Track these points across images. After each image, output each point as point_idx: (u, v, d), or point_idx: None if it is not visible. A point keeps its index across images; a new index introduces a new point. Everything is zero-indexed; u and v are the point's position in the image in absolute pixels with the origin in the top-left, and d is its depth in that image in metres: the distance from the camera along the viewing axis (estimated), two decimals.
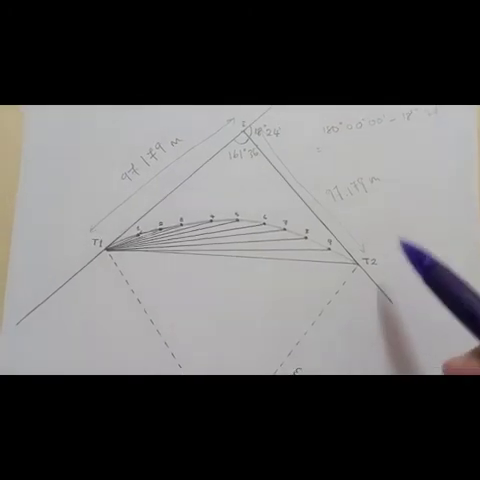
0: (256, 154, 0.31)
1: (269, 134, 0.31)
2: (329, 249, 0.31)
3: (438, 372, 0.30)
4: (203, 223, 0.30)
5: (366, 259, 0.31)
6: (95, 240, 0.30)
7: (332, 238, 0.31)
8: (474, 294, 0.23)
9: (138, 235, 0.30)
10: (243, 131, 0.31)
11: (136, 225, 0.30)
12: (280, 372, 0.29)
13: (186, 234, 0.30)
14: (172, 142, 0.31)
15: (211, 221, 0.31)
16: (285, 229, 0.31)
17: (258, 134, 0.31)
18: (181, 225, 0.30)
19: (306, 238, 0.31)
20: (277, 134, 0.31)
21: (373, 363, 0.29)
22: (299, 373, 0.29)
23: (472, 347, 0.25)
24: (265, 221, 0.31)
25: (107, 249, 0.30)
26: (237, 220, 0.31)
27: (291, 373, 0.29)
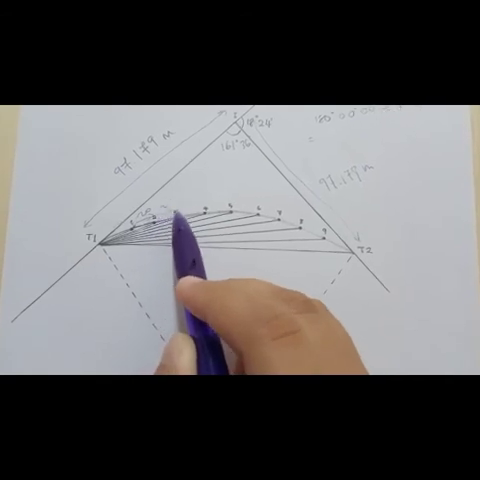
0: (248, 145, 0.31)
1: (261, 125, 0.31)
2: (324, 238, 0.30)
3: (435, 364, 0.30)
4: (197, 215, 0.30)
5: (361, 248, 0.30)
6: (89, 235, 0.30)
7: (326, 227, 0.30)
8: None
9: (132, 229, 0.30)
10: (235, 122, 0.31)
11: (129, 219, 0.30)
12: None
13: None
14: (164, 135, 0.31)
15: (205, 213, 0.30)
16: (279, 219, 0.30)
17: (250, 125, 0.31)
18: None
19: (300, 228, 0.30)
20: (269, 125, 0.31)
21: (369, 353, 0.29)
22: None
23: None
24: (259, 212, 0.30)
25: (101, 244, 0.30)
26: (231, 212, 0.30)
27: None
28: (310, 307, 0.22)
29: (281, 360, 0.19)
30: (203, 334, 0.25)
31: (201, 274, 0.27)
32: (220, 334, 0.22)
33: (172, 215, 0.30)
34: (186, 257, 0.28)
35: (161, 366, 0.24)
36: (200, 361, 0.23)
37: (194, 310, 0.24)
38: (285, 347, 0.19)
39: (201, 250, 0.29)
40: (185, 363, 0.23)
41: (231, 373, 0.24)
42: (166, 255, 0.30)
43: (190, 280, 0.26)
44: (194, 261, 0.27)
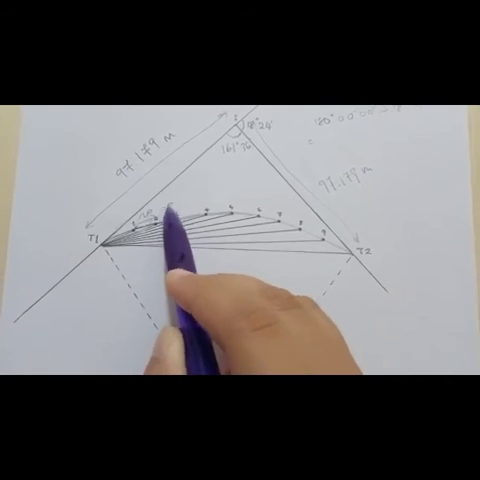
0: (249, 147, 0.31)
1: (261, 127, 0.32)
2: (323, 240, 0.31)
3: (435, 364, 0.30)
4: (198, 217, 0.31)
5: (360, 249, 0.31)
6: (91, 236, 0.30)
7: (326, 229, 0.31)
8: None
9: (133, 230, 0.30)
10: (235, 125, 0.32)
11: (131, 220, 0.30)
12: None
13: None
14: (165, 137, 0.31)
15: (206, 215, 0.31)
16: (279, 221, 0.31)
17: (250, 127, 0.32)
18: None
19: (300, 230, 0.31)
20: (269, 127, 0.32)
21: (369, 354, 0.30)
22: None
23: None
24: (259, 213, 0.31)
25: (103, 245, 0.30)
26: (231, 213, 0.31)
27: None
28: (294, 304, 0.22)
29: (259, 349, 0.19)
30: (192, 327, 0.25)
31: (190, 269, 0.28)
32: (205, 328, 0.23)
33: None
34: (175, 250, 0.28)
35: (152, 359, 0.25)
36: (188, 353, 0.24)
37: (182, 305, 0.25)
38: (263, 337, 0.20)
39: (202, 251, 0.29)
40: (174, 354, 0.23)
41: (222, 366, 0.24)
42: None
43: (179, 273, 0.26)
44: (183, 255, 0.28)
